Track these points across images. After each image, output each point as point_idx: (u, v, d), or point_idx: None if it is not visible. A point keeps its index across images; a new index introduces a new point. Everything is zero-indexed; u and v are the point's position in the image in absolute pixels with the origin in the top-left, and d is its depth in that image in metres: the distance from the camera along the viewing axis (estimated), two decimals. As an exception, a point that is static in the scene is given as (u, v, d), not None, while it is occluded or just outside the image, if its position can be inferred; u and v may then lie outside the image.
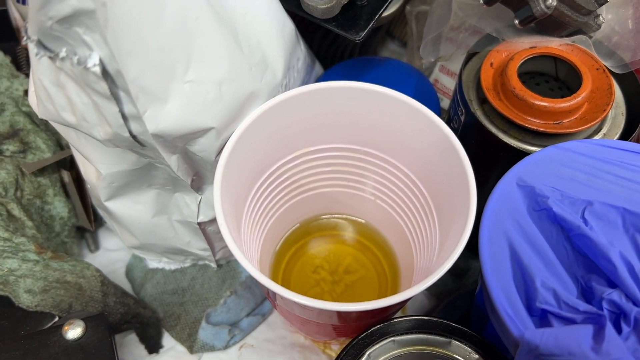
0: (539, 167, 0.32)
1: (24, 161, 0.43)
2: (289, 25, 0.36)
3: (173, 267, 0.44)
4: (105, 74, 0.25)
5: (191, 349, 0.42)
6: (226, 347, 0.42)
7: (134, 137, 0.28)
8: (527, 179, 0.32)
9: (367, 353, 0.31)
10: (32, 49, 0.25)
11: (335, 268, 0.45)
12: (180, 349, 0.43)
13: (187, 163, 0.33)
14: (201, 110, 0.30)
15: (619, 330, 0.26)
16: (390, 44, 0.58)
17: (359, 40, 0.36)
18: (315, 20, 0.36)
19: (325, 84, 0.34)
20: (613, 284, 0.27)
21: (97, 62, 0.24)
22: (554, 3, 0.35)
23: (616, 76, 0.39)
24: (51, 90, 0.27)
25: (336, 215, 0.45)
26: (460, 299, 0.43)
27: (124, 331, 0.42)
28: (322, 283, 0.44)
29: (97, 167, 0.34)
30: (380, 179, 0.40)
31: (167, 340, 0.43)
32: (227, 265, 0.45)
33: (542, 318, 0.28)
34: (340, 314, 0.31)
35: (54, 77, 0.27)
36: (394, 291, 0.43)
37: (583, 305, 0.27)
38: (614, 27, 0.40)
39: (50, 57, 0.25)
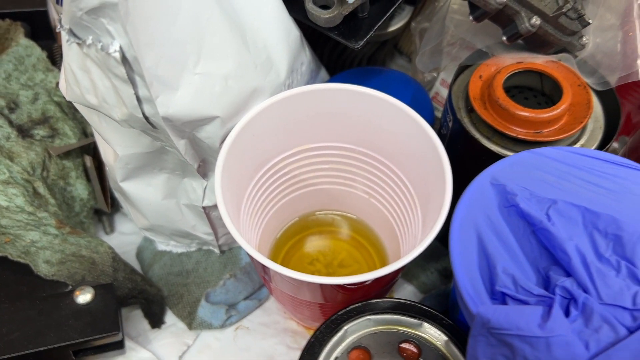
0: (512, 168, 0.35)
1: (52, 145, 0.47)
2: (294, 32, 0.39)
3: (180, 250, 0.48)
4: (124, 59, 0.29)
5: (190, 326, 0.45)
6: (222, 326, 0.45)
7: (146, 118, 0.32)
8: (500, 179, 0.34)
9: (345, 328, 0.34)
10: (64, 36, 0.29)
11: (330, 261, 0.48)
12: (181, 325, 0.46)
13: (194, 149, 0.37)
14: (208, 100, 0.33)
15: (568, 314, 0.29)
16: (399, 59, 0.61)
17: (357, 48, 0.40)
18: (319, 28, 0.40)
19: (322, 85, 0.38)
20: (569, 274, 0.30)
21: (118, 48, 0.28)
22: (538, 22, 0.38)
23: (598, 93, 0.42)
24: (78, 74, 0.31)
25: (333, 212, 0.49)
26: (442, 296, 0.46)
27: (131, 305, 0.46)
28: (316, 274, 0.47)
29: (115, 148, 0.38)
30: (373, 177, 0.43)
31: (170, 317, 0.47)
32: (230, 251, 0.48)
33: (502, 301, 0.30)
34: (323, 289, 0.34)
35: (81, 62, 0.31)
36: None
37: (537, 290, 0.29)
38: (601, 48, 0.43)
39: (78, 44, 0.29)
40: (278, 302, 0.45)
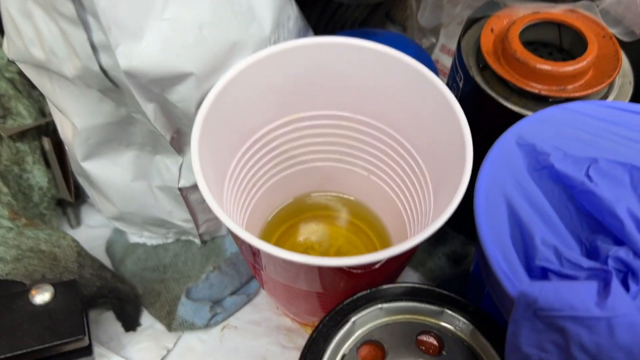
0: (540, 126, 0.30)
1: (4, 126, 0.41)
2: (278, -20, 0.34)
3: (155, 242, 0.42)
4: (72, -6, 0.23)
5: (170, 327, 0.39)
6: (207, 325, 0.40)
7: (104, 72, 0.26)
8: (528, 138, 0.30)
9: (352, 320, 0.28)
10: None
11: (327, 249, 0.43)
12: (159, 327, 0.40)
13: (165, 115, 0.31)
14: (180, 52, 0.28)
15: (626, 289, 0.24)
16: (391, 28, 0.56)
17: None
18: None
19: (316, 39, 0.33)
20: (619, 242, 0.25)
21: (63, -22, 0.22)
22: (558, -37, 0.34)
23: (623, 45, 0.37)
24: (19, 21, 0.26)
25: (330, 194, 0.43)
26: (455, 280, 0.41)
27: (100, 306, 0.40)
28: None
29: (72, 120, 0.32)
30: (373, 150, 0.38)
31: (146, 318, 0.41)
32: (212, 241, 0.43)
33: (542, 278, 0.25)
34: (322, 275, 0.29)
35: (21, 5, 0.25)
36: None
37: (587, 262, 0.24)
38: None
39: (14, -23, 0.23)
40: (270, 296, 0.40)
